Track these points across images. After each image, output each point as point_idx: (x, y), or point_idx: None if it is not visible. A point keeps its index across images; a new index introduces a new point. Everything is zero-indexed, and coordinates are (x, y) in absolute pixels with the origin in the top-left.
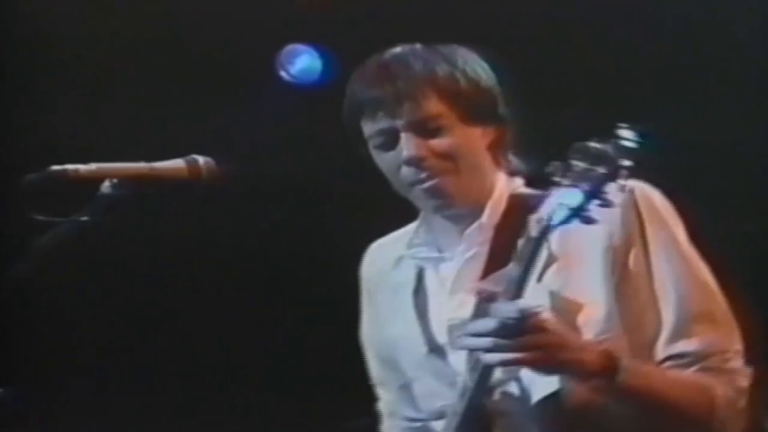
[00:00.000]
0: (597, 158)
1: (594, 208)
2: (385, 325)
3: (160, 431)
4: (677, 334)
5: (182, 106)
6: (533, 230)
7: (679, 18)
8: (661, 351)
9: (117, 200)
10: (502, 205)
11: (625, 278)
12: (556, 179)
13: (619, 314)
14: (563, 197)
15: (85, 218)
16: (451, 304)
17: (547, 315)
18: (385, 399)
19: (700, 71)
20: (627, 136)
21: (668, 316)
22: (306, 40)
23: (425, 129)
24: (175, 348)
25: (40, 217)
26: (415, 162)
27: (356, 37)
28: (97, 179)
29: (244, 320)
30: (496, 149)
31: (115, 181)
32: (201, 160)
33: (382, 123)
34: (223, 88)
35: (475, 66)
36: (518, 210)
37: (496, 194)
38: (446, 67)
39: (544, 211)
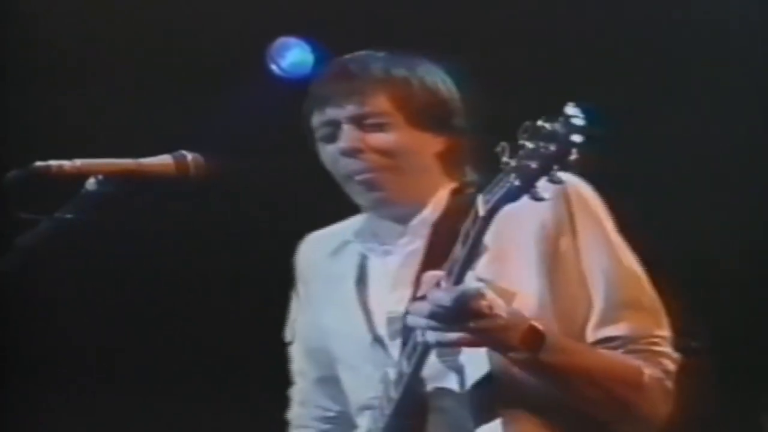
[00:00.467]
0: (547, 137)
1: (543, 185)
2: (319, 315)
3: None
4: (605, 320)
5: (171, 100)
6: (481, 209)
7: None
8: (590, 335)
9: (102, 197)
10: (445, 202)
11: (556, 267)
12: (505, 159)
13: (551, 303)
14: (512, 176)
15: (69, 216)
16: (393, 297)
17: (483, 302)
18: (300, 386)
19: (698, 71)
20: (575, 113)
21: (597, 303)
22: (297, 33)
23: (365, 123)
24: (164, 346)
25: (24, 215)
26: (351, 153)
27: (348, 31)
28: (82, 176)
29: (235, 318)
30: (448, 158)
31: (100, 177)
32: (189, 156)
33: (328, 115)
34: (212, 83)
35: (435, 77)
36: (460, 208)
37: (439, 192)
38: (403, 71)
39: (491, 189)
